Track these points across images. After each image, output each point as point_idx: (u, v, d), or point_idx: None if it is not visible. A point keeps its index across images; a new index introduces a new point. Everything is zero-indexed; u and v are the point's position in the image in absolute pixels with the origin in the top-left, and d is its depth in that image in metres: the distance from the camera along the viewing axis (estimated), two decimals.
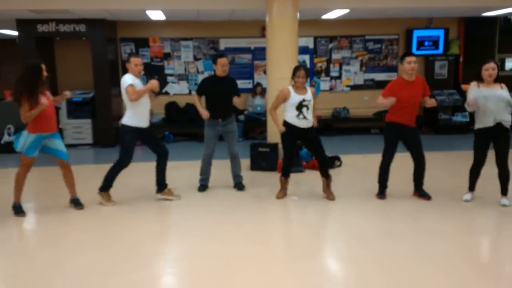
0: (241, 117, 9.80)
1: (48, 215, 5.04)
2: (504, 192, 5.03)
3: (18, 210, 4.98)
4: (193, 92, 10.12)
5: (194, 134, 9.87)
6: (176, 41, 10.14)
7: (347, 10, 8.34)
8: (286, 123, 5.24)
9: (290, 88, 5.20)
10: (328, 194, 5.37)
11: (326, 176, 5.36)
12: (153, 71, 10.08)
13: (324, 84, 10.46)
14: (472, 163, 5.08)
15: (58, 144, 5.03)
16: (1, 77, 13.80)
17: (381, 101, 5.10)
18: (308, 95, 5.15)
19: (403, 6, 7.96)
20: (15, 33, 10.01)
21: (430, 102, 5.15)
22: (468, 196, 5.15)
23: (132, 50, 10.06)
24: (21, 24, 8.76)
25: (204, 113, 5.55)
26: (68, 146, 8.65)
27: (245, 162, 6.73)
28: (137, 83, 5.11)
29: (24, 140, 4.86)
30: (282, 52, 6.96)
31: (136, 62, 5.10)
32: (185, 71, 10.27)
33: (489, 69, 4.75)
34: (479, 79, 4.85)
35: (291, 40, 6.99)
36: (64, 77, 9.83)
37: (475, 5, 8.00)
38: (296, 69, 5.16)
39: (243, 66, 10.30)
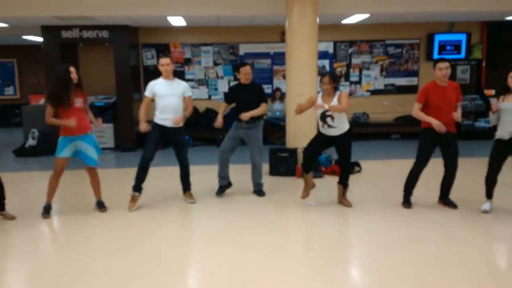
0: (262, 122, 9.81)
1: (72, 217, 5.14)
2: None
3: (45, 211, 5.11)
4: (213, 98, 10.23)
5: (213, 139, 9.94)
6: (196, 47, 10.25)
7: (367, 15, 8.31)
8: (317, 131, 5.30)
9: (319, 95, 5.17)
10: (344, 201, 5.36)
11: (344, 185, 5.34)
12: (174, 76, 10.18)
13: (344, 89, 10.42)
14: (487, 171, 4.99)
15: (86, 149, 5.09)
16: (26, 82, 14.19)
17: (422, 117, 4.96)
18: (333, 103, 5.01)
19: (423, 10, 7.89)
20: (39, 39, 10.27)
21: (456, 116, 4.99)
22: (487, 206, 5.04)
23: (153, 56, 10.21)
24: (46, 30, 8.98)
25: (219, 121, 5.72)
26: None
27: (265, 167, 6.75)
28: (160, 87, 5.26)
29: (58, 144, 5.03)
30: (302, 58, 6.98)
31: (162, 63, 5.29)
32: (205, 76, 10.37)
33: None
34: (506, 88, 4.76)
35: (311, 46, 7.00)
36: (87, 82, 9.91)
37: (497, 9, 7.89)
38: (321, 76, 5.14)
39: (262, 71, 10.34)
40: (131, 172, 5.50)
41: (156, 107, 5.36)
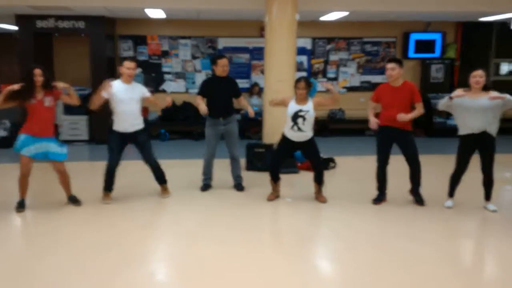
0: (238, 117, 9.81)
1: (46, 212, 5.08)
2: (488, 197, 5.11)
3: (19, 206, 5.05)
4: (191, 91, 10.18)
5: (189, 132, 9.92)
6: (174, 39, 10.17)
7: (346, 13, 8.40)
8: (282, 136, 5.31)
9: (292, 99, 5.22)
10: (320, 197, 5.44)
11: (319, 183, 5.43)
12: (151, 68, 10.14)
13: (321, 86, 10.51)
14: (454, 169, 5.12)
15: (51, 147, 5.01)
16: None
17: (368, 113, 5.29)
18: (307, 106, 5.11)
19: (401, 10, 8.02)
20: (12, 27, 10.01)
21: (404, 117, 4.95)
22: (449, 202, 5.20)
23: (130, 48, 10.09)
24: (20, 19, 8.76)
25: (203, 108, 5.50)
26: (64, 142, 8.74)
27: (241, 162, 6.78)
28: (119, 90, 5.12)
29: (17, 140, 4.93)
30: (281, 54, 7.01)
31: (128, 66, 5.12)
32: (182, 69, 10.31)
33: (476, 76, 4.77)
34: (468, 87, 4.86)
35: (290, 42, 7.04)
36: (61, 73, 9.82)
37: (472, 10, 8.08)
38: (296, 81, 5.19)
39: (240, 66, 10.34)
40: (101, 165, 5.46)
41: (114, 112, 5.20)
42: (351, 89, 10.67)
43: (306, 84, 5.10)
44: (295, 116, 5.11)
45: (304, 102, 5.14)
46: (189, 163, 7.40)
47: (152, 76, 10.22)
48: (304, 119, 5.10)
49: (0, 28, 11.24)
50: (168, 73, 10.27)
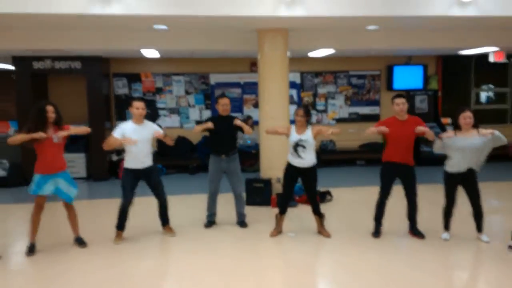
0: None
1: (52, 254, 5.19)
2: (480, 229, 5.36)
3: (29, 250, 5.15)
4: (185, 126, 10.42)
5: (185, 166, 10.11)
6: (168, 76, 10.47)
7: (332, 50, 8.82)
8: (287, 164, 5.58)
9: (293, 126, 5.50)
10: (323, 232, 5.66)
11: (319, 215, 5.66)
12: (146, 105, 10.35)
13: (311, 118, 10.86)
14: (444, 204, 5.40)
15: (63, 185, 5.20)
16: None
17: (370, 130, 5.36)
18: (306, 135, 5.38)
19: (384, 47, 8.47)
20: (5, 66, 10.18)
21: (424, 131, 5.24)
22: (446, 235, 5.44)
23: (124, 85, 10.35)
24: (17, 60, 8.97)
25: (210, 125, 5.73)
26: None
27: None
28: (130, 131, 5.36)
29: (32, 182, 5.09)
30: (274, 91, 7.30)
31: (137, 106, 5.41)
32: (176, 105, 10.58)
33: (467, 117, 5.08)
34: (457, 126, 5.18)
35: (282, 79, 7.34)
36: None
37: (450, 46, 8.57)
38: (296, 108, 5.47)
39: (233, 100, 10.60)
40: (105, 203, 5.65)
41: (126, 152, 5.44)
42: (340, 120, 11.04)
43: (304, 112, 5.37)
44: (296, 146, 5.39)
45: (303, 131, 5.40)
46: (188, 198, 7.59)
47: (147, 112, 10.41)
48: (304, 148, 5.38)
49: None
50: (163, 108, 10.52)
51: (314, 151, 5.50)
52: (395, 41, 8.21)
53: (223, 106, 5.89)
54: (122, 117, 10.41)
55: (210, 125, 5.76)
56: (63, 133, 5.09)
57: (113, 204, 5.73)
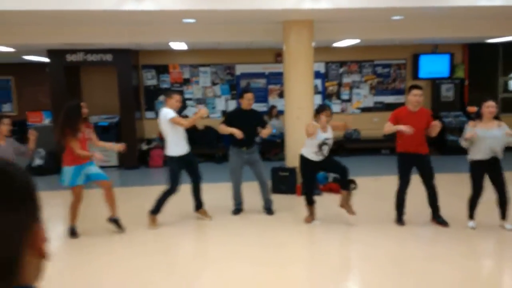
0: (257, 139, 10.29)
1: (91, 237, 5.52)
2: (504, 216, 5.41)
3: (71, 233, 5.51)
4: (212, 116, 10.66)
5: (212, 155, 10.38)
6: (195, 67, 10.71)
7: (357, 40, 8.87)
8: (302, 158, 5.71)
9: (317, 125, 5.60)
10: (348, 208, 5.73)
11: (347, 188, 5.76)
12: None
13: (336, 107, 10.97)
14: (471, 193, 5.45)
15: (95, 169, 5.52)
16: (23, 99, 14.44)
17: (391, 128, 5.45)
18: (329, 133, 5.59)
19: (409, 37, 8.48)
20: (39, 58, 10.60)
21: (434, 126, 5.38)
22: (472, 223, 5.51)
23: (153, 77, 10.64)
24: (52, 54, 9.34)
25: (238, 133, 5.86)
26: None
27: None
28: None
29: (65, 174, 5.40)
30: (299, 82, 7.45)
31: (177, 99, 5.67)
32: (203, 96, 10.82)
33: (490, 106, 5.16)
34: (478, 116, 5.28)
35: (307, 69, 7.46)
36: (89, 102, 10.36)
37: (479, 35, 8.51)
38: (322, 109, 5.55)
39: (258, 90, 10.81)
40: (136, 191, 5.90)
41: (169, 141, 5.67)
42: (364, 109, 11.10)
43: (330, 112, 5.55)
44: (322, 144, 5.54)
45: (326, 129, 5.59)
46: (215, 187, 7.84)
47: (203, 106, 10.75)
48: (327, 145, 5.57)
49: (25, 58, 11.88)
50: (190, 99, 10.78)
51: None
52: (421, 30, 8.20)
53: (249, 100, 6.08)
54: (151, 107, 10.73)
55: (237, 133, 5.83)
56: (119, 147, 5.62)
57: (144, 191, 6.03)
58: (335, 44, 9.77)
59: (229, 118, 6.25)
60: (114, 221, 5.68)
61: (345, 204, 5.75)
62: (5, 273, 0.74)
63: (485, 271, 4.64)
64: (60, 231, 5.69)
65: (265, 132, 6.11)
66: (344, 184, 5.78)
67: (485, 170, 5.32)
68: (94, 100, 10.37)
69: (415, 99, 5.44)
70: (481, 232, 5.41)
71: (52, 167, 9.24)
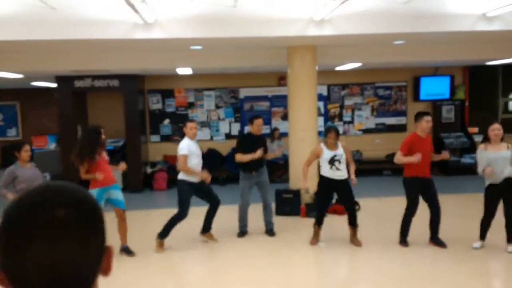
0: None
1: None
2: (510, 240, 5.44)
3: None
4: (215, 138, 10.78)
5: (215, 178, 10.45)
6: (199, 91, 10.90)
7: (359, 64, 9.07)
8: (321, 177, 5.88)
9: (322, 145, 5.85)
10: (355, 241, 5.90)
11: (353, 225, 5.90)
12: (178, 119, 10.82)
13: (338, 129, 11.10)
14: (483, 216, 5.50)
15: (117, 194, 5.64)
16: (28, 124, 14.61)
17: (404, 159, 5.54)
18: (339, 150, 5.77)
19: (410, 60, 8.67)
20: (45, 84, 10.77)
21: (443, 156, 5.68)
22: (477, 244, 5.56)
23: (158, 101, 10.82)
24: (60, 80, 9.52)
25: (257, 154, 6.06)
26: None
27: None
28: (192, 147, 5.80)
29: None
30: (303, 105, 7.60)
31: (191, 126, 5.81)
32: (207, 119, 10.98)
33: (495, 130, 5.27)
34: (486, 139, 5.40)
35: (311, 93, 7.63)
36: None
37: (478, 57, 8.70)
38: (327, 131, 5.82)
39: (261, 113, 10.90)
40: (141, 215, 5.96)
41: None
42: (366, 131, 11.24)
43: (336, 134, 5.73)
44: (332, 160, 5.71)
45: (335, 148, 5.78)
46: (219, 209, 7.91)
47: (180, 126, 10.88)
48: (339, 162, 5.72)
49: (31, 84, 12.09)
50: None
51: (345, 166, 5.81)
52: (422, 54, 8.41)
53: (258, 126, 6.24)
54: (156, 130, 10.87)
55: (256, 155, 6.06)
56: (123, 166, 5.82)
57: (148, 215, 6.09)
58: (337, 68, 9.96)
59: (241, 144, 6.39)
60: (125, 249, 5.76)
61: (353, 238, 5.91)
62: None
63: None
64: None
65: (270, 155, 6.30)
66: (350, 220, 5.89)
67: (498, 193, 5.36)
68: (101, 124, 10.53)
69: (428, 125, 5.59)
70: (484, 254, 5.46)
71: None
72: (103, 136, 5.52)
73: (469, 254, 5.47)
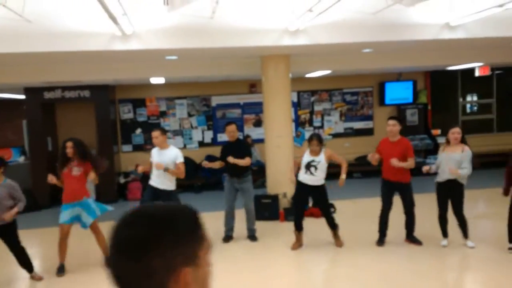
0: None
1: (80, 274, 5.56)
2: (465, 236, 5.81)
3: (59, 271, 5.54)
4: (188, 146, 10.83)
5: (190, 185, 10.50)
6: (171, 100, 10.92)
7: (329, 71, 9.37)
8: (297, 182, 6.05)
9: (307, 151, 6.03)
10: (336, 242, 6.13)
11: (333, 229, 6.11)
12: (150, 128, 10.78)
13: (308, 134, 11.37)
14: (438, 212, 5.86)
15: (82, 214, 5.53)
16: None
17: (372, 159, 6.00)
18: (319, 158, 5.94)
19: (377, 67, 9.06)
20: (9, 95, 10.51)
21: (396, 163, 5.72)
22: (445, 242, 5.91)
23: (130, 110, 10.76)
24: (29, 91, 9.33)
25: (206, 163, 6.48)
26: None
27: None
28: (154, 154, 5.97)
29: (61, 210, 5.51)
30: (278, 110, 7.80)
31: (153, 135, 5.93)
32: (180, 127, 11.01)
33: (455, 133, 5.63)
34: (447, 141, 5.74)
35: (285, 99, 7.85)
36: (64, 137, 10.34)
37: (439, 63, 9.18)
38: (310, 139, 6.03)
39: (233, 120, 11.08)
40: (109, 225, 5.95)
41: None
42: (336, 135, 11.57)
43: (318, 142, 5.92)
44: (308, 166, 5.92)
45: (317, 154, 5.95)
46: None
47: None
48: (315, 168, 5.90)
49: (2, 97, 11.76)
50: (167, 131, 10.90)
51: (324, 173, 5.99)
52: (388, 61, 8.79)
53: (230, 133, 6.40)
54: (128, 140, 10.81)
55: (217, 165, 6.47)
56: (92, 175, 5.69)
57: None
58: (307, 75, 10.24)
59: (222, 152, 6.56)
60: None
61: (334, 239, 6.14)
62: None
63: (460, 283, 5.01)
64: (48, 268, 5.69)
65: (239, 161, 6.28)
66: (329, 224, 6.11)
67: (446, 191, 5.73)
68: (70, 135, 10.34)
69: (389, 129, 5.87)
70: (450, 250, 5.80)
71: (28, 204, 9.09)
72: (70, 150, 5.50)
73: (441, 250, 5.80)
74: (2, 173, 5.24)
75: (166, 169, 5.83)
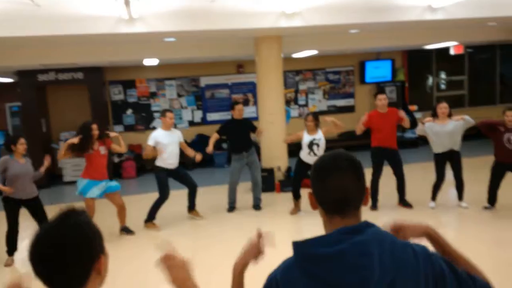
0: (225, 145, 10.97)
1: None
2: (460, 197, 6.49)
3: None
4: (179, 126, 11.16)
5: (182, 163, 10.85)
6: (161, 81, 11.20)
7: (315, 51, 9.84)
8: (299, 159, 6.54)
9: (305, 131, 6.48)
10: None
11: None
12: (141, 109, 11.07)
13: (294, 112, 11.89)
14: (435, 179, 6.47)
15: (110, 184, 6.04)
16: None
17: (359, 124, 6.50)
18: (318, 135, 6.41)
19: (360, 47, 9.59)
20: (8, 79, 10.56)
21: (403, 118, 6.39)
22: (432, 204, 6.56)
23: (120, 92, 10.99)
24: (22, 74, 9.44)
25: (209, 148, 6.75)
26: (68, 183, 9.47)
27: (246, 185, 7.91)
28: (163, 137, 6.26)
29: (79, 184, 5.85)
30: (271, 89, 8.25)
31: (170, 116, 6.29)
32: (170, 107, 11.29)
33: (442, 108, 6.23)
34: (435, 115, 6.31)
35: (277, 78, 8.31)
36: (59, 119, 10.55)
37: (415, 43, 9.79)
38: (306, 116, 6.50)
39: (222, 100, 11.51)
40: (103, 202, 6.35)
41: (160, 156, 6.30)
42: (320, 113, 12.00)
43: (313, 118, 6.36)
44: (311, 144, 6.36)
45: (315, 132, 6.42)
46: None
47: (142, 115, 11.17)
48: (318, 146, 6.36)
49: None
50: (157, 111, 11.21)
51: (324, 150, 6.48)
52: (370, 41, 9.33)
53: (240, 111, 6.89)
54: (119, 121, 11.06)
55: (214, 140, 6.86)
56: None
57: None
58: (294, 55, 10.68)
59: (223, 128, 7.02)
60: (124, 229, 6.25)
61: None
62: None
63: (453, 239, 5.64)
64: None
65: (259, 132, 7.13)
66: None
67: (446, 160, 6.35)
68: (64, 117, 10.56)
69: (381, 103, 6.42)
70: (443, 210, 6.46)
71: None
72: (96, 132, 5.85)
73: (430, 211, 6.43)
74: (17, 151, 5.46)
75: (198, 156, 6.50)
